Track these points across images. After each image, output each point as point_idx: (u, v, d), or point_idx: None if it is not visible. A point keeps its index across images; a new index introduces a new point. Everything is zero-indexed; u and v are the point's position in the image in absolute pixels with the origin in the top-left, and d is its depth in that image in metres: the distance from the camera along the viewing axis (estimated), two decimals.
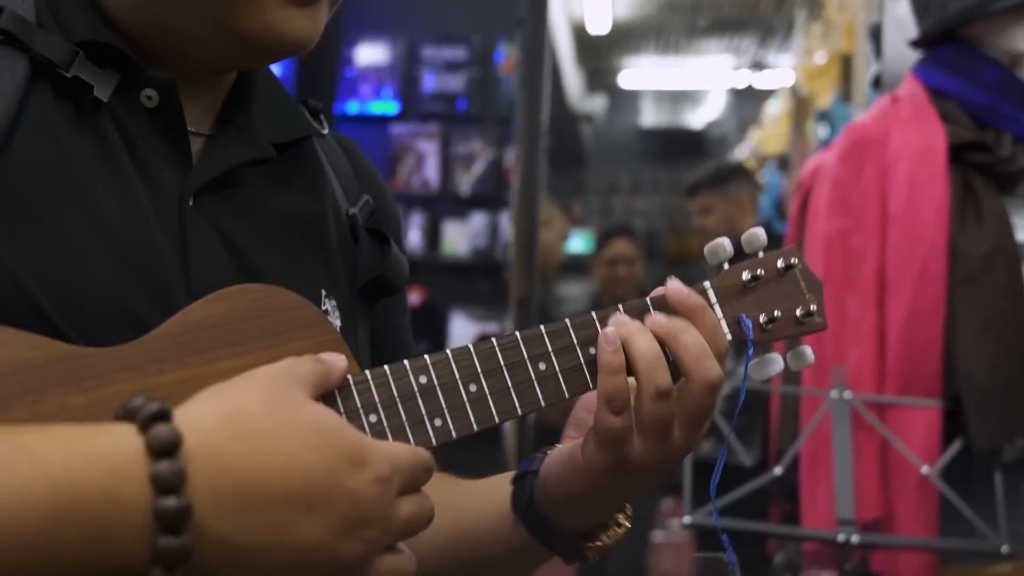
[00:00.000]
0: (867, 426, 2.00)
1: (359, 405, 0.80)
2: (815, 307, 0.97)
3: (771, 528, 2.19)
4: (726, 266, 0.96)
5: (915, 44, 2.27)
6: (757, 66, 9.85)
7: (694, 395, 0.87)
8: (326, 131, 1.08)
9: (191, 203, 0.87)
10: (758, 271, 0.95)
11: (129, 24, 0.88)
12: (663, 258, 10.20)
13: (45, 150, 0.81)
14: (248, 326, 0.78)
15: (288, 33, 0.88)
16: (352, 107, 5.50)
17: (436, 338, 5.30)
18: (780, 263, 0.97)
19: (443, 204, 5.49)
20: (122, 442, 0.65)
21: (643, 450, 0.88)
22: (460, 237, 5.46)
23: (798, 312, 0.97)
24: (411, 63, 5.54)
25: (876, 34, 2.88)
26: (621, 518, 0.97)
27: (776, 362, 0.96)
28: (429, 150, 5.48)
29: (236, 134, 0.93)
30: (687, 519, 1.95)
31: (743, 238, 0.97)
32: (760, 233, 0.96)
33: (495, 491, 0.99)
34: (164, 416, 0.67)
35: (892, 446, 2.00)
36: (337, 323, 0.95)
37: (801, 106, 5.65)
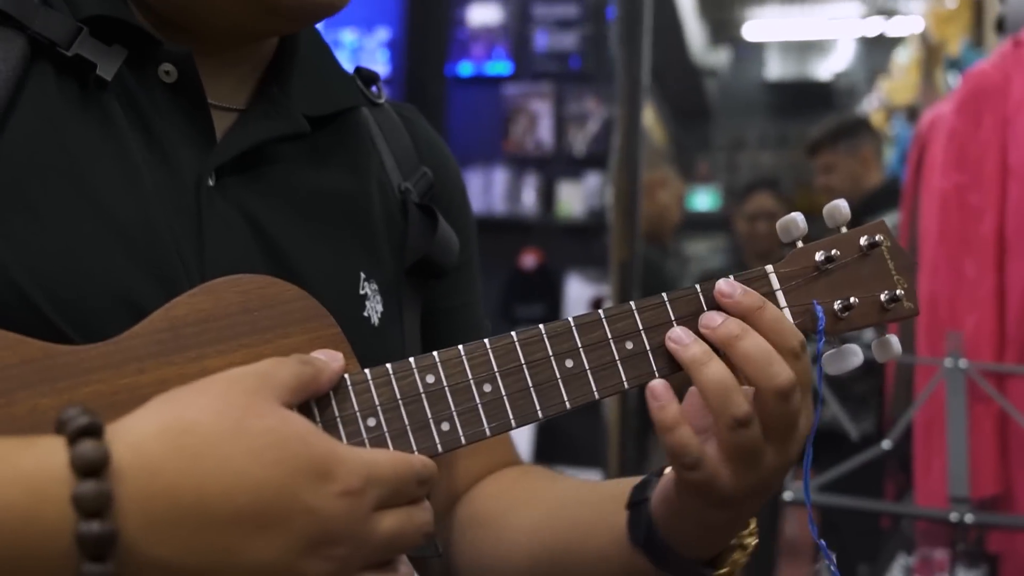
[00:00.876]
0: (984, 397, 1.88)
1: (356, 408, 0.73)
2: (903, 291, 0.86)
3: (880, 506, 2.09)
4: (799, 244, 0.86)
5: None
6: (885, 12, 9.48)
7: (767, 406, 0.78)
8: (382, 100, 1.02)
9: (212, 183, 0.82)
10: (833, 251, 0.85)
11: None
12: None
13: (42, 134, 0.76)
14: (236, 321, 0.72)
15: None
16: (465, 68, 5.45)
17: (552, 301, 5.25)
18: (863, 240, 0.86)
19: (557, 165, 5.43)
20: (46, 459, 0.60)
21: (735, 480, 0.78)
22: (575, 198, 5.38)
23: (882, 297, 0.86)
24: (523, 22, 5.47)
25: None
26: (746, 536, 0.88)
27: (855, 354, 0.85)
28: (542, 110, 5.41)
29: (268, 108, 0.88)
30: (788, 495, 1.86)
31: (824, 211, 0.87)
32: (842, 206, 0.86)
33: (607, 506, 0.91)
34: (93, 431, 0.61)
35: (1011, 418, 1.87)
36: (379, 307, 0.90)
37: (931, 53, 5.39)
